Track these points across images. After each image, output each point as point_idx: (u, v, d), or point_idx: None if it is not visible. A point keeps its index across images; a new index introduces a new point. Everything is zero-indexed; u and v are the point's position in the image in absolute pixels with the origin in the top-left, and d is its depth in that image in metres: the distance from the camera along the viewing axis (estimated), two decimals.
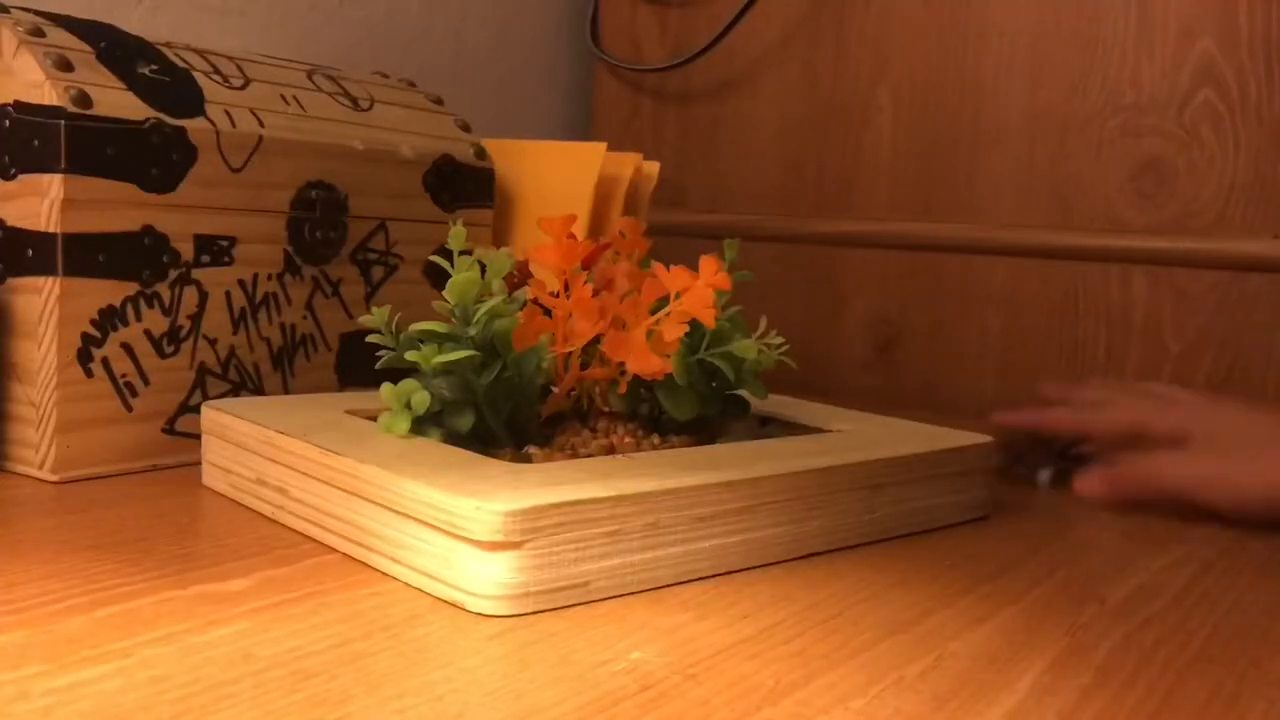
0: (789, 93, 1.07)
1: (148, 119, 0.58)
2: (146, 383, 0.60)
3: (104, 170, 0.57)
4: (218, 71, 0.65)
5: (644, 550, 0.44)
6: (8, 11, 0.59)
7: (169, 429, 0.61)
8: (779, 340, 0.58)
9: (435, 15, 1.08)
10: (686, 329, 0.48)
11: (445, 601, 0.41)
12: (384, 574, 0.44)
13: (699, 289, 0.48)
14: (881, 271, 1.02)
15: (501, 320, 0.51)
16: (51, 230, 0.55)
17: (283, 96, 0.68)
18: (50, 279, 0.56)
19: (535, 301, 0.51)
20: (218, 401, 0.56)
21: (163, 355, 0.60)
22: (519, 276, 0.57)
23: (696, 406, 0.56)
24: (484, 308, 0.50)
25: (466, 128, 0.80)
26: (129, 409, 0.59)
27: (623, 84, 1.18)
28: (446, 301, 0.50)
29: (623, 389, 0.54)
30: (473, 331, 0.50)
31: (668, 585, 0.45)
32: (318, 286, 0.68)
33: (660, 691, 0.34)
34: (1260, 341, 0.85)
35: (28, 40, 0.56)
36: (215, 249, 0.62)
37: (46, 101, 0.55)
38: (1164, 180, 0.89)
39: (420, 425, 0.51)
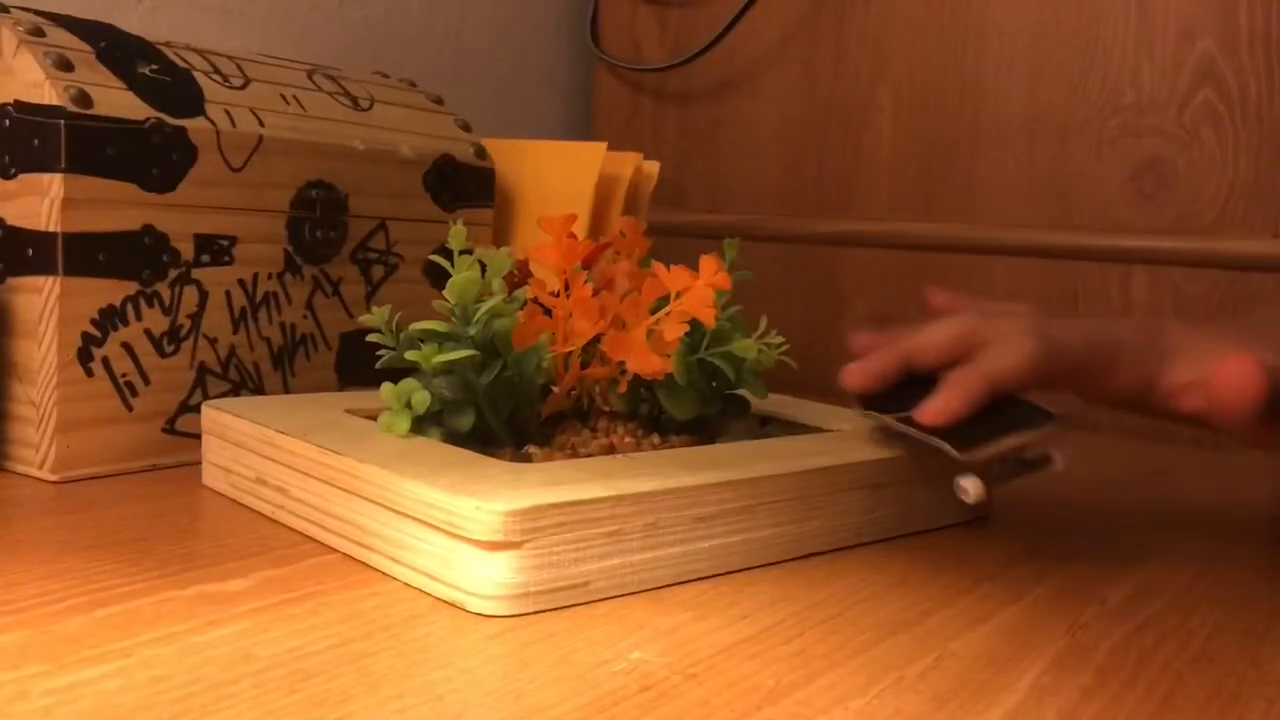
0: (789, 93, 1.07)
1: (148, 119, 0.58)
2: (147, 382, 0.60)
3: (104, 170, 0.56)
4: (218, 71, 0.65)
5: (644, 550, 0.44)
6: (8, 11, 0.59)
7: (169, 429, 0.61)
8: (779, 340, 0.58)
9: (435, 15, 1.08)
10: (686, 329, 0.48)
11: (445, 601, 0.41)
12: (384, 574, 0.44)
13: (699, 289, 0.48)
14: (881, 271, 1.02)
15: (501, 320, 0.51)
16: (52, 230, 0.55)
17: (283, 96, 0.68)
18: (50, 278, 0.56)
19: (535, 301, 0.51)
20: (218, 401, 0.56)
21: (163, 355, 0.60)
22: (519, 276, 0.57)
23: (696, 406, 0.56)
24: (484, 307, 0.50)
25: (467, 127, 0.80)
26: (129, 409, 0.59)
27: (623, 84, 1.18)
28: (447, 301, 0.50)
29: (623, 389, 0.54)
30: (473, 331, 0.50)
31: (668, 585, 0.45)
32: (318, 286, 0.68)
33: (660, 691, 0.34)
34: None
35: (28, 40, 0.56)
36: (215, 248, 0.62)
37: (47, 101, 0.55)
38: (1164, 180, 0.89)
39: (420, 425, 0.51)
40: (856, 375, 0.53)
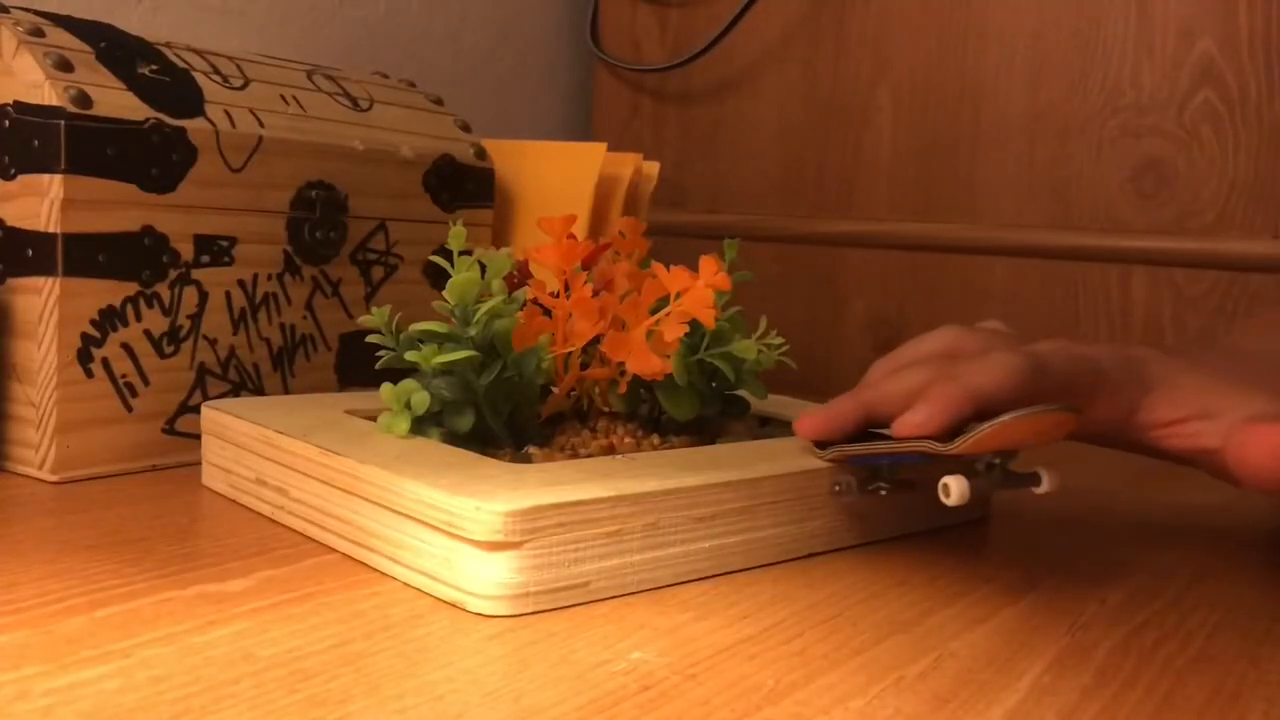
0: (789, 93, 1.07)
1: (147, 119, 0.58)
2: (146, 383, 0.60)
3: (104, 170, 0.57)
4: (217, 72, 0.65)
5: (644, 550, 0.44)
6: (8, 11, 0.59)
7: (169, 429, 0.61)
8: (779, 340, 0.58)
9: (435, 15, 1.08)
10: (686, 329, 0.48)
11: (445, 602, 0.41)
12: (384, 574, 0.44)
13: (699, 289, 0.48)
14: (881, 272, 1.02)
15: (501, 320, 0.51)
16: (51, 230, 0.55)
17: (282, 97, 0.68)
18: (50, 279, 0.56)
19: (535, 301, 0.51)
20: (217, 401, 0.56)
21: (162, 355, 0.60)
22: (519, 276, 0.57)
23: (696, 407, 0.56)
24: (484, 308, 0.50)
25: (466, 128, 0.80)
26: (129, 409, 0.59)
27: (623, 84, 1.18)
28: (446, 301, 0.50)
29: (623, 389, 0.54)
30: (473, 332, 0.50)
31: (668, 585, 0.45)
32: (317, 287, 0.68)
33: (660, 691, 0.34)
34: None
35: (27, 40, 0.56)
36: (215, 249, 0.62)
37: (46, 102, 0.55)
38: (1164, 180, 0.89)
39: (420, 425, 0.51)
40: (812, 423, 0.50)
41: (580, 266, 0.51)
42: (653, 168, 0.85)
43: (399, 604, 0.41)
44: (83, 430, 0.57)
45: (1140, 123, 0.89)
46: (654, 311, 0.49)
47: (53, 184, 0.55)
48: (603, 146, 0.82)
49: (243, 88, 0.65)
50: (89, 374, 0.57)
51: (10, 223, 0.57)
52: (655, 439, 0.54)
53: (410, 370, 0.51)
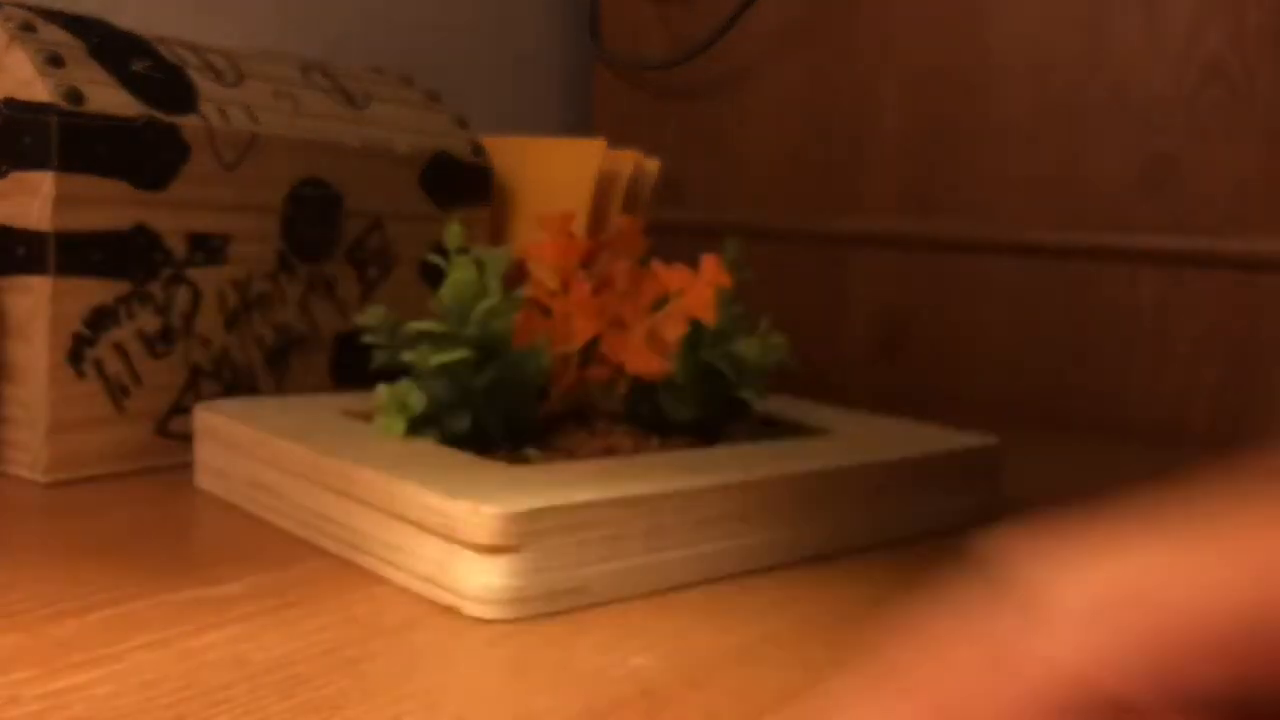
0: (792, 88, 1.07)
1: (140, 116, 0.58)
2: (139, 383, 0.59)
3: (96, 168, 0.56)
4: (211, 67, 0.64)
5: (644, 554, 0.43)
6: None
7: (162, 430, 0.60)
8: (781, 340, 0.57)
9: (432, 9, 1.08)
10: (687, 328, 0.47)
11: (442, 606, 0.41)
12: (380, 578, 0.43)
13: (699, 288, 0.47)
14: (886, 269, 1.02)
15: (499, 320, 0.50)
16: (43, 229, 0.55)
17: (277, 93, 0.67)
18: (42, 278, 0.55)
19: (534, 301, 0.50)
20: (210, 402, 0.56)
21: (155, 355, 0.60)
22: (517, 275, 0.56)
23: (697, 408, 0.55)
24: (481, 307, 0.49)
25: (464, 124, 0.79)
26: (121, 410, 0.58)
27: (623, 80, 1.17)
28: (443, 301, 0.50)
29: (622, 390, 0.53)
30: (470, 331, 0.49)
31: (668, 590, 0.44)
32: (312, 285, 0.68)
33: (661, 698, 0.34)
34: (1272, 341, 0.84)
35: (19, 36, 0.56)
36: (208, 247, 0.62)
37: (38, 98, 0.54)
38: (1173, 177, 0.88)
39: (416, 427, 0.50)
40: None
41: (579, 264, 0.50)
42: (653, 164, 0.85)
43: (395, 608, 0.40)
44: (75, 431, 0.56)
45: (1149, 119, 0.89)
46: (654, 310, 0.49)
47: (44, 181, 0.54)
48: (602, 143, 0.81)
49: (236, 84, 0.65)
50: (81, 374, 0.56)
51: (2, 221, 0.56)
52: (655, 440, 0.54)
53: (406, 371, 0.51)
